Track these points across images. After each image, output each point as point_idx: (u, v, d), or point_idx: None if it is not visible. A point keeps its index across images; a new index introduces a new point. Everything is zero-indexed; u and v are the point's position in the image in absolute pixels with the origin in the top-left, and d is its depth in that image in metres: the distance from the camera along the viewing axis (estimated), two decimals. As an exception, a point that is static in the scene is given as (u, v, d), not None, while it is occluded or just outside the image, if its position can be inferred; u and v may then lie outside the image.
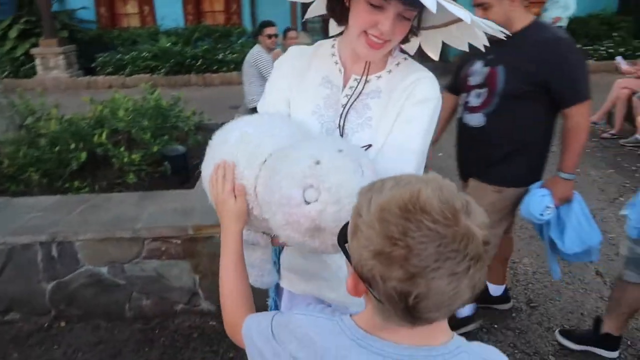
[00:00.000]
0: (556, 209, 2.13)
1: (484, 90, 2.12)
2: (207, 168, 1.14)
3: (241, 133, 1.12)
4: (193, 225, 2.55)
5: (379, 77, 1.18)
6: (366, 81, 1.17)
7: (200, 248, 2.57)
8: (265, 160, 1.06)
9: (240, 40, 10.66)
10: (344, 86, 1.20)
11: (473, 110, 2.17)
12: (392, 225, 0.63)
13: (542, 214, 2.10)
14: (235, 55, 9.79)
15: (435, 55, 1.23)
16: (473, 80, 2.17)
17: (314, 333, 0.76)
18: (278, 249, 1.34)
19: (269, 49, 4.91)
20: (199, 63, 9.85)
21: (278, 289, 1.45)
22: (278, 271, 1.37)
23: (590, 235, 2.13)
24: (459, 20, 1.04)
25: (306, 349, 0.76)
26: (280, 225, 0.98)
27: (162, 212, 2.72)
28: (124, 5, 11.54)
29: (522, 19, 2.05)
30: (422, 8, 1.05)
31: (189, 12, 11.24)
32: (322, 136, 1.19)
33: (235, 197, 1.05)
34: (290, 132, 1.13)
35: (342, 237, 0.76)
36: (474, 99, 2.16)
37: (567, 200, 2.12)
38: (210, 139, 1.17)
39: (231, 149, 1.09)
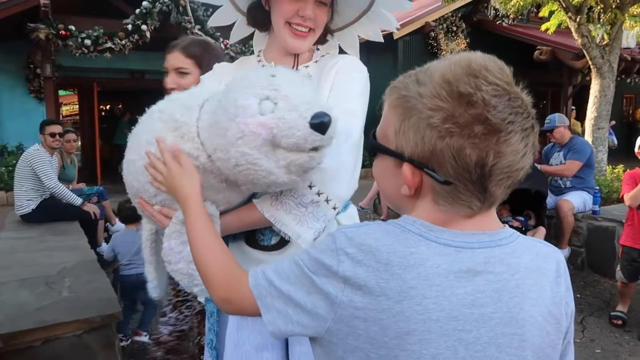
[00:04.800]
0: None
1: None
2: (133, 156, 1.11)
3: (162, 105, 1.11)
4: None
5: (307, 66, 1.28)
6: (297, 70, 1.25)
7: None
8: (203, 105, 1.05)
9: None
10: None
11: None
12: (463, 83, 0.62)
13: None
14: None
15: (355, 52, 1.36)
16: None
17: (372, 240, 0.66)
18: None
19: (52, 149, 4.32)
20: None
21: (220, 315, 1.30)
22: None
23: None
24: (367, 10, 1.26)
25: (365, 261, 0.65)
26: (233, 141, 0.93)
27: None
28: None
29: None
30: None
31: None
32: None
33: (177, 161, 1.01)
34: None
35: (374, 144, 0.74)
36: None
37: None
38: None
39: (163, 114, 1.07)
